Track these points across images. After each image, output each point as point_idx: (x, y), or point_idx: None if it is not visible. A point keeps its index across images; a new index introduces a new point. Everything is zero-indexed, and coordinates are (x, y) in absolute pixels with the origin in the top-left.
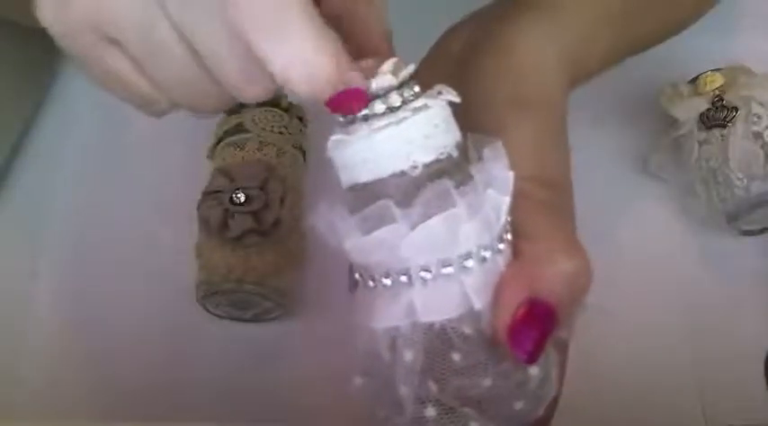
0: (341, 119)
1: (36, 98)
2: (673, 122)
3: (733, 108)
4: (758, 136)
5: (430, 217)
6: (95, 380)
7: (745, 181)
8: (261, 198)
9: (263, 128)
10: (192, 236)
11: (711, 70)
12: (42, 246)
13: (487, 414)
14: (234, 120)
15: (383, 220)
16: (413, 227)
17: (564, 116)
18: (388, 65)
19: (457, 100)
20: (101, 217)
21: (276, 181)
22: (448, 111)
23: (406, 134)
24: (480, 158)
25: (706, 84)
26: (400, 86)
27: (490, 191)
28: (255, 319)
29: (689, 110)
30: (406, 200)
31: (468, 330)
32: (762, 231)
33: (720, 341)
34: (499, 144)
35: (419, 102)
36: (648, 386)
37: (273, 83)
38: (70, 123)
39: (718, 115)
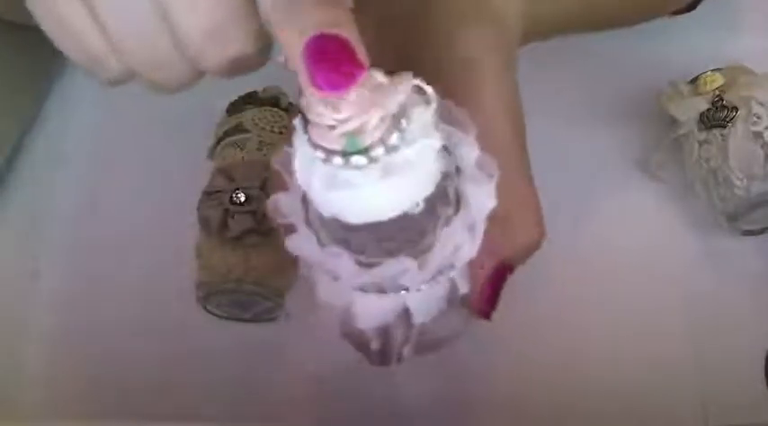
0: (324, 148)
1: (36, 98)
2: (673, 122)
3: (733, 108)
4: (758, 136)
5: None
6: (95, 380)
7: (745, 181)
8: (261, 198)
9: (263, 128)
10: (192, 236)
11: (711, 70)
12: (42, 246)
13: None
14: (234, 120)
15: (399, 278)
16: (422, 268)
17: (516, 66)
18: (397, 95)
19: (438, 144)
20: (101, 217)
21: None
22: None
23: (417, 175)
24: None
25: (706, 84)
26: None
27: (475, 203)
28: (255, 319)
29: (689, 110)
30: (406, 240)
31: (447, 305)
32: (762, 231)
33: (720, 341)
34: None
35: (429, 141)
36: (648, 386)
37: (239, 48)
38: (70, 123)
39: (718, 115)
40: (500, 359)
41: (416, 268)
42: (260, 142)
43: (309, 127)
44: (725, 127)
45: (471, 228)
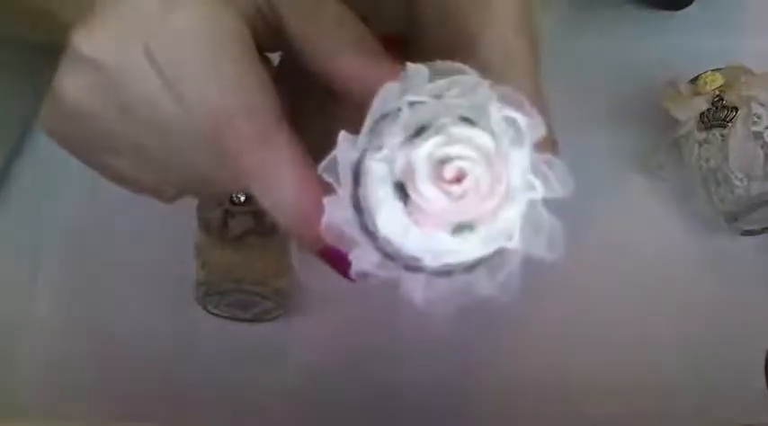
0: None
1: (36, 98)
2: (673, 122)
3: (733, 108)
4: (758, 136)
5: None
6: (95, 380)
7: (745, 181)
8: None
9: None
10: (191, 236)
11: (711, 70)
12: (42, 246)
13: None
14: None
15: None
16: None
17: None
18: None
19: (539, 195)
20: (101, 217)
21: None
22: None
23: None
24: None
25: (706, 84)
26: None
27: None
28: (255, 319)
29: (689, 110)
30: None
31: None
32: (762, 231)
33: (720, 341)
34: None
35: (530, 195)
36: (648, 385)
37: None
38: None
39: (718, 115)
40: (499, 358)
41: (486, 275)
42: None
43: (410, 203)
44: (725, 127)
45: None
